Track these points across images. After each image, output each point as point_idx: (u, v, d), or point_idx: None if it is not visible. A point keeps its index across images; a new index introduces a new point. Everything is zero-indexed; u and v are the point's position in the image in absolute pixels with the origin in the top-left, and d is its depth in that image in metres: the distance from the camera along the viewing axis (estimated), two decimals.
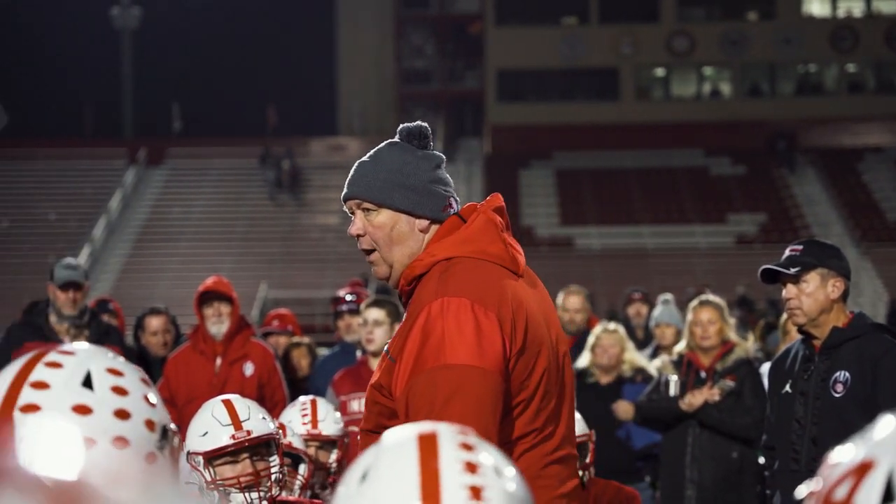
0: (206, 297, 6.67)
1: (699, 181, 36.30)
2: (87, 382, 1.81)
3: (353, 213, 3.09)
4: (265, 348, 6.77)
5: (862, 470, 1.18)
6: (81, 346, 1.90)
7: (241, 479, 3.41)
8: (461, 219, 3.02)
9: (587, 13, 40.51)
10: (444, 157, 3.14)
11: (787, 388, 4.60)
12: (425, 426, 1.53)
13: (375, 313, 6.34)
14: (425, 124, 3.15)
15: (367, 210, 3.04)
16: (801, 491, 1.26)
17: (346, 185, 3.08)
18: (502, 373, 2.81)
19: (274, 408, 6.29)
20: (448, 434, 1.51)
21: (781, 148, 37.02)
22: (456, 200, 3.07)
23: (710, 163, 37.48)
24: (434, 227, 3.02)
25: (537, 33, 40.18)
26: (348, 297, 7.57)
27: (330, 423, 4.60)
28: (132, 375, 1.85)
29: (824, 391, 4.47)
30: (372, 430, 2.98)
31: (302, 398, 4.79)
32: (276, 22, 55.00)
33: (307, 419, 4.56)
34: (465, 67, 43.62)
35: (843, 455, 1.23)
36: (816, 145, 37.99)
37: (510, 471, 1.51)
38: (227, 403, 3.53)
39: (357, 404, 6.27)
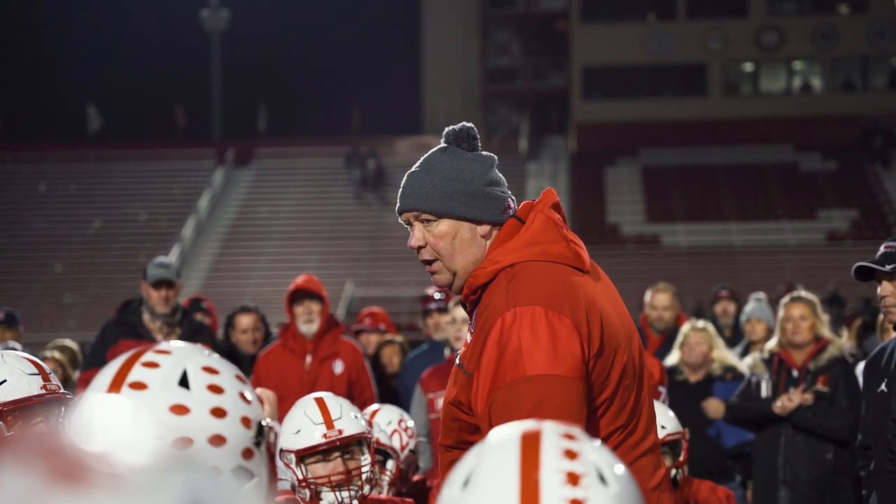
0: (297, 296, 6.73)
1: (788, 177, 35.76)
2: (184, 381, 1.83)
3: (410, 224, 3.04)
4: (355, 346, 6.81)
5: None
6: (177, 344, 1.92)
7: (333, 478, 3.43)
8: (519, 220, 2.97)
9: (674, 8, 40.12)
10: (495, 157, 3.09)
11: (883, 386, 4.52)
12: (530, 426, 1.50)
13: (463, 311, 6.35)
14: (471, 125, 3.09)
15: (427, 221, 2.99)
16: None
17: (399, 198, 3.04)
18: (583, 378, 2.76)
19: (363, 405, 6.32)
20: (551, 439, 1.47)
21: (878, 144, 36.26)
22: (513, 200, 3.02)
23: (799, 158, 36.90)
24: (495, 232, 2.97)
25: (623, 29, 39.91)
26: (437, 296, 7.60)
27: (348, 419, 4.46)
28: (228, 373, 1.87)
29: None
30: (452, 445, 2.94)
31: (302, 403, 4.59)
32: (361, 22, 55.34)
33: (319, 421, 4.44)
34: (550, 65, 43.45)
35: None
36: None
37: (617, 475, 1.47)
38: (320, 402, 3.54)
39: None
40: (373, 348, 7.76)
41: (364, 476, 3.47)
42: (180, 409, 1.81)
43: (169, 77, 56.09)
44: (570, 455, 1.45)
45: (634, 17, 40.27)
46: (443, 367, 6.48)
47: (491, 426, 2.74)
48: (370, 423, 4.13)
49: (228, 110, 45.64)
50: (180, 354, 1.87)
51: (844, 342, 6.51)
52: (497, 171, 3.05)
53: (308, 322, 6.66)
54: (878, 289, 4.50)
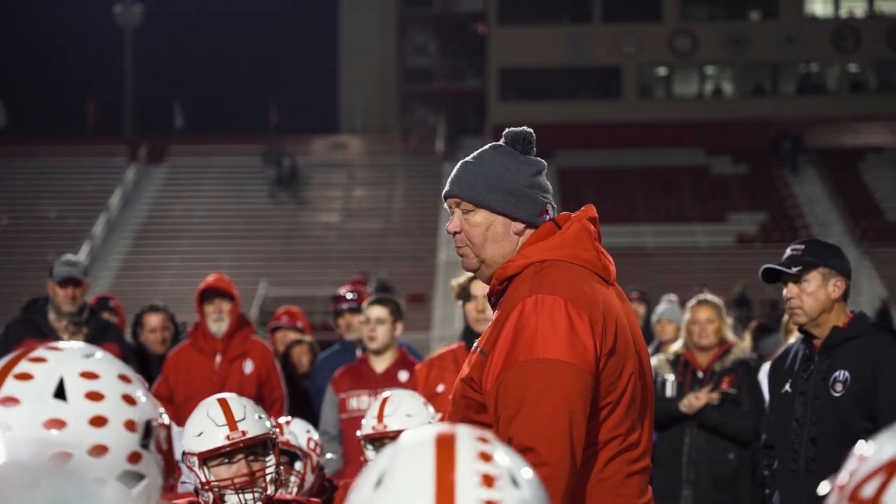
0: (207, 295, 6.66)
1: (700, 180, 36.29)
2: (60, 392, 1.74)
3: (451, 210, 3.15)
4: (265, 346, 6.76)
5: (892, 468, 1.16)
6: (56, 348, 1.81)
7: (236, 481, 3.39)
8: (557, 225, 3.10)
9: (590, 12, 40.50)
10: (545, 163, 3.19)
11: (787, 387, 4.60)
12: (443, 430, 1.50)
13: (378, 311, 6.33)
14: (530, 130, 3.20)
15: (466, 210, 3.11)
16: (825, 486, 1.24)
17: (447, 183, 3.16)
18: (593, 372, 2.87)
19: (273, 405, 6.29)
20: (466, 441, 1.47)
21: (787, 149, 36.94)
22: (553, 207, 3.15)
23: (710, 162, 37.46)
24: (529, 231, 3.09)
25: (539, 32, 40.17)
26: (349, 296, 7.56)
27: (251, 420, 4.44)
28: (109, 375, 1.78)
29: (824, 391, 4.46)
30: (460, 424, 2.97)
31: (207, 403, 4.59)
32: (278, 20, 55.01)
33: (222, 422, 4.45)
34: (467, 66, 43.59)
35: (872, 450, 1.21)
36: (817, 145, 37.97)
37: (525, 477, 1.48)
38: (223, 403, 3.49)
39: (355, 402, 6.27)
40: (286, 345, 7.71)
41: (268, 477, 3.43)
42: (56, 424, 1.71)
43: (81, 72, 55.20)
44: (485, 457, 1.46)
45: (551, 19, 40.57)
46: (354, 368, 6.45)
47: (497, 402, 2.88)
48: (279, 425, 4.10)
49: (142, 107, 45.06)
50: (57, 360, 1.77)
51: (747, 345, 6.64)
52: (544, 178, 3.17)
53: (218, 321, 6.60)
54: (784, 290, 4.58)
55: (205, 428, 3.42)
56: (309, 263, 32.02)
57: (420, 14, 43.74)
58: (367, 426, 4.37)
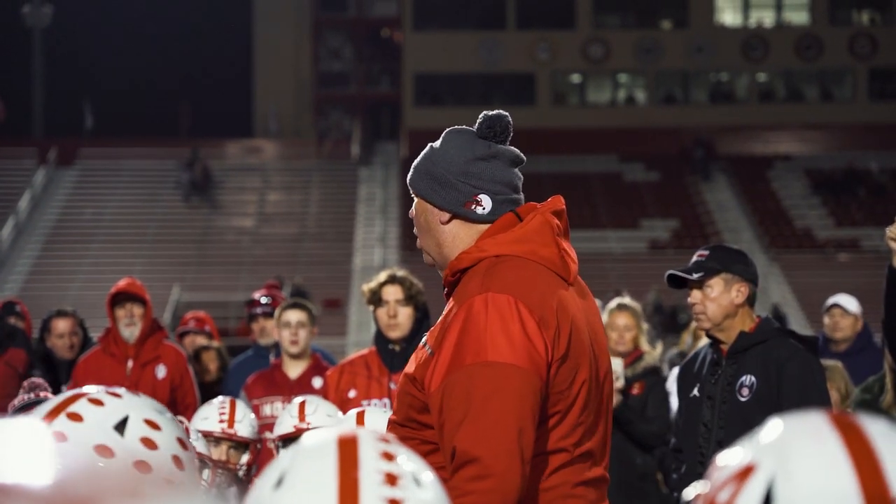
0: (119, 299, 6.59)
1: (613, 187, 36.69)
2: (121, 427, 1.85)
3: None
4: (178, 351, 6.71)
5: (743, 474, 1.19)
6: (129, 393, 1.96)
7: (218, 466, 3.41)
8: (518, 217, 2.90)
9: (504, 18, 40.72)
10: (500, 150, 2.93)
11: (695, 391, 4.66)
12: (346, 430, 1.49)
13: (298, 315, 6.31)
14: (506, 114, 2.98)
15: (413, 195, 2.97)
16: (689, 492, 1.28)
17: None
18: (542, 377, 2.69)
19: (185, 410, 6.24)
20: (369, 441, 1.46)
21: (699, 156, 37.46)
22: (493, 197, 2.89)
23: (623, 169, 37.89)
24: (459, 222, 2.88)
25: (454, 38, 40.30)
26: (263, 300, 7.53)
27: (246, 424, 4.61)
28: (169, 432, 1.89)
29: (730, 395, 4.53)
30: (400, 422, 2.85)
31: (221, 397, 4.78)
32: (192, 21, 54.45)
33: (224, 417, 4.56)
34: (382, 71, 43.58)
35: (728, 458, 1.24)
36: (728, 153, 38.61)
37: (427, 478, 1.47)
38: (232, 403, 3.56)
39: (269, 408, 6.23)
40: (194, 351, 7.65)
41: (241, 472, 3.47)
42: (105, 451, 1.82)
43: None
44: (388, 457, 1.45)
45: (465, 25, 40.72)
46: (268, 373, 6.42)
47: (442, 406, 2.67)
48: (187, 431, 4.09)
49: (51, 108, 44.29)
50: (128, 402, 1.90)
51: (658, 353, 6.68)
52: (491, 164, 2.90)
53: (130, 326, 6.53)
54: (689, 297, 4.65)
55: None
56: (222, 268, 31.75)
57: (335, 18, 43.63)
58: (287, 425, 4.36)
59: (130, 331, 6.55)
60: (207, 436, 4.52)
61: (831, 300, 7.55)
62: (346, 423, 4.22)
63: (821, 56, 40.13)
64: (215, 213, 35.83)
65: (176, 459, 1.84)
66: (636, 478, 6.38)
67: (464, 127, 3.00)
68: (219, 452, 4.55)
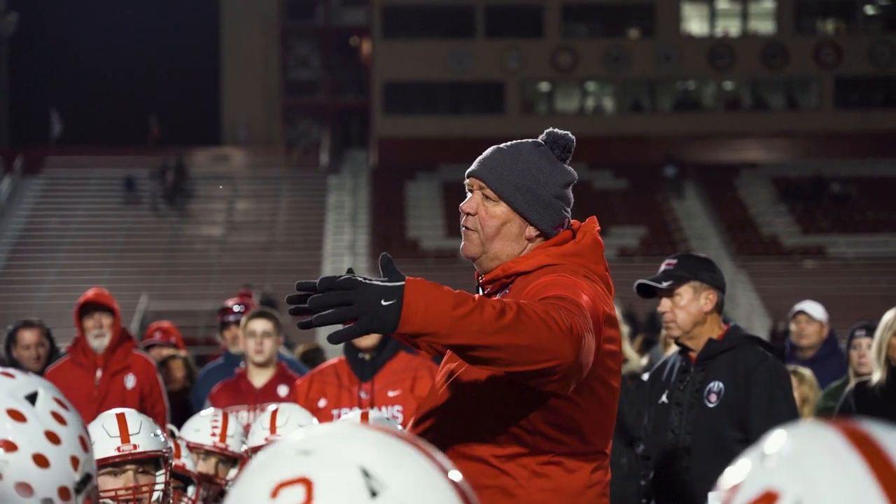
0: (87, 309, 6.55)
1: (582, 194, 36.58)
2: (32, 399, 1.86)
3: (471, 189, 3.07)
4: (147, 360, 6.68)
5: (767, 500, 1.15)
6: (35, 375, 1.96)
7: (120, 493, 3.36)
8: (573, 233, 3.05)
9: (473, 27, 40.80)
10: (576, 175, 3.12)
11: (664, 398, 4.69)
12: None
13: (264, 324, 6.30)
14: (573, 137, 3.12)
15: (487, 196, 3.02)
16: None
17: (476, 163, 3.06)
18: (599, 334, 2.77)
19: (155, 419, 6.21)
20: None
21: (671, 174, 37.50)
22: (569, 221, 3.08)
23: (592, 176, 38.02)
24: (539, 240, 3.02)
25: (423, 46, 40.33)
26: (236, 308, 7.50)
27: (237, 439, 4.57)
28: (75, 414, 1.89)
29: (698, 401, 4.56)
30: (463, 417, 2.93)
31: (213, 409, 4.76)
32: (159, 28, 54.22)
33: (217, 431, 4.53)
34: (351, 79, 43.56)
35: (740, 478, 1.19)
36: (695, 161, 38.82)
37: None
38: (120, 416, 3.51)
39: (234, 417, 6.21)
40: (160, 362, 7.62)
41: (155, 495, 3.41)
42: (18, 416, 1.83)
43: None
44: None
45: (434, 34, 40.76)
46: (233, 383, 6.40)
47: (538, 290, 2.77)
48: (177, 446, 4.08)
49: (17, 116, 43.99)
50: (37, 381, 1.92)
51: (638, 360, 6.67)
52: (570, 190, 3.09)
53: (98, 336, 6.50)
54: (659, 305, 4.68)
55: (98, 438, 3.41)
56: (191, 277, 31.60)
57: (303, 26, 43.58)
58: (259, 437, 4.35)
59: (99, 341, 6.51)
60: (197, 448, 4.47)
61: (797, 307, 7.60)
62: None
63: (786, 65, 40.42)
64: (184, 222, 35.67)
65: (82, 440, 1.86)
66: (620, 478, 6.41)
67: (541, 142, 3.09)
68: (207, 466, 4.48)
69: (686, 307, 4.58)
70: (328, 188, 37.84)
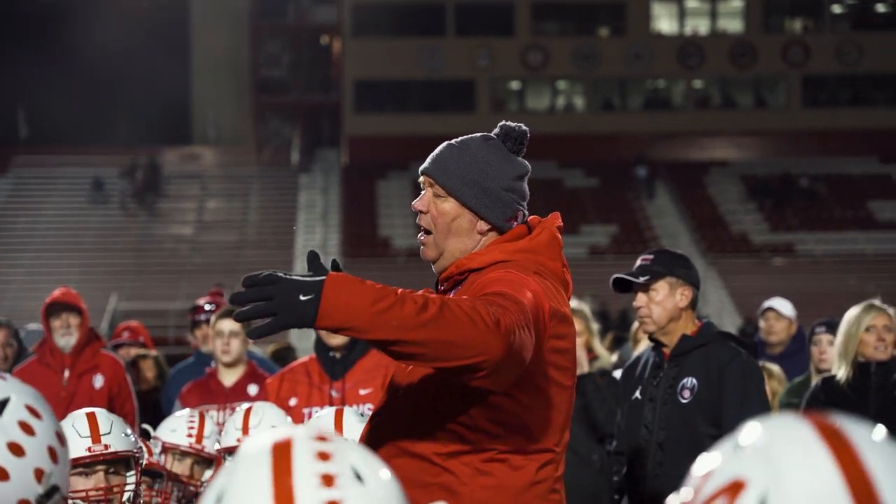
0: (54, 309, 6.49)
1: (552, 193, 36.84)
2: (0, 408, 1.80)
3: (423, 187, 3.05)
4: (115, 360, 6.61)
5: (734, 489, 1.15)
6: (14, 378, 1.89)
7: (90, 494, 3.33)
8: (528, 229, 3.00)
9: (443, 25, 40.79)
10: (529, 167, 3.08)
11: (637, 394, 4.69)
12: (280, 435, 1.45)
13: (231, 324, 6.24)
14: (526, 129, 3.11)
15: (437, 194, 3.00)
16: (671, 501, 1.25)
17: (428, 159, 3.04)
18: (542, 330, 2.75)
19: (123, 419, 6.15)
20: (303, 443, 1.43)
21: (642, 175, 37.56)
22: (524, 214, 3.03)
23: (563, 175, 38.08)
24: (492, 234, 2.98)
25: (394, 45, 40.28)
26: (207, 307, 7.44)
27: (213, 440, 4.52)
28: (49, 425, 1.83)
29: (672, 397, 4.56)
30: (419, 406, 2.90)
31: (189, 410, 4.71)
32: (129, 28, 53.91)
33: (193, 432, 4.49)
34: (322, 78, 43.45)
35: (712, 466, 1.20)
36: (665, 159, 38.96)
37: (376, 473, 1.44)
38: (90, 416, 3.49)
39: (210, 419, 6.16)
40: (130, 361, 7.55)
41: (126, 495, 3.37)
42: None
43: None
44: (323, 457, 1.41)
45: (405, 32, 40.72)
46: (203, 382, 6.35)
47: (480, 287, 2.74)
48: (146, 445, 4.03)
49: None
50: (11, 385, 1.85)
51: (608, 356, 6.65)
52: (524, 183, 3.05)
53: (66, 336, 6.43)
54: (634, 300, 4.67)
55: (67, 438, 3.37)
56: (161, 277, 31.43)
57: (274, 25, 43.43)
58: (232, 438, 4.30)
59: (66, 340, 6.44)
60: (173, 449, 4.43)
61: (766, 304, 7.62)
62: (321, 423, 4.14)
63: (755, 63, 40.63)
64: (153, 221, 35.48)
65: (51, 451, 1.81)
66: (593, 475, 6.37)
67: (493, 136, 3.07)
68: (182, 467, 4.45)
69: (662, 303, 4.58)
70: (299, 187, 37.73)
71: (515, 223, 3.00)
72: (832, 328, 6.15)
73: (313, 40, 43.70)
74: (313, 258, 2.65)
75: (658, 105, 41.33)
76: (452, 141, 3.05)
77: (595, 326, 6.61)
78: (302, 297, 2.47)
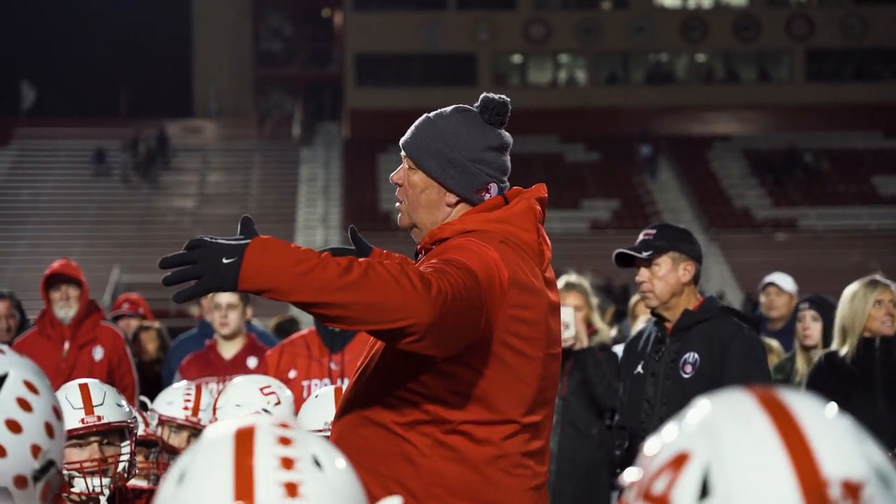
0: (53, 281, 6.47)
1: (554, 167, 36.78)
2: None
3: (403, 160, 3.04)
4: (115, 332, 6.60)
5: (678, 462, 1.16)
6: (13, 352, 1.88)
7: (85, 465, 3.32)
8: (504, 199, 2.96)
9: None
10: (507, 139, 3.04)
11: (639, 368, 4.67)
12: (244, 423, 1.49)
13: (227, 297, 6.23)
14: (507, 100, 3.04)
15: (410, 166, 2.97)
16: (625, 477, 1.24)
17: (406, 133, 3.03)
18: (496, 297, 2.72)
19: (123, 391, 6.13)
20: (266, 429, 1.47)
21: (646, 154, 37.36)
22: (499, 185, 2.98)
23: (565, 149, 38.01)
24: (463, 205, 2.94)
25: (395, 18, 40.14)
26: None
27: (209, 413, 4.50)
28: (46, 400, 1.83)
29: (674, 372, 4.53)
30: (382, 370, 2.88)
31: (186, 382, 4.70)
32: (131, 1, 53.78)
33: (189, 405, 4.48)
34: (323, 51, 43.32)
35: (659, 444, 1.21)
36: (668, 133, 38.86)
37: (333, 461, 1.47)
38: (83, 387, 3.47)
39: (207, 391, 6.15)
40: (131, 334, 7.53)
41: (121, 466, 3.36)
42: None
43: None
44: (285, 442, 1.46)
45: (406, 6, 40.56)
46: (203, 355, 6.34)
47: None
48: (142, 416, 4.01)
49: None
50: (9, 359, 1.85)
51: (608, 330, 6.61)
52: (499, 154, 3.00)
53: (65, 307, 6.42)
54: (637, 275, 4.63)
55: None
56: (164, 249, 31.08)
57: None
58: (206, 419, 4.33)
59: (65, 312, 6.43)
60: (170, 422, 4.43)
61: (767, 279, 7.59)
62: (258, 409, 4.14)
63: (758, 37, 40.47)
64: (156, 194, 35.46)
65: (48, 427, 1.81)
66: (592, 448, 6.35)
67: (468, 108, 3.02)
68: (179, 440, 4.44)
69: (664, 277, 4.55)
70: (300, 160, 37.67)
71: (488, 195, 2.95)
72: (815, 304, 6.11)
73: (315, 14, 43.53)
74: (246, 223, 2.68)
75: (661, 79, 41.20)
76: (430, 114, 3.02)
77: (594, 301, 6.57)
78: (225, 260, 2.49)
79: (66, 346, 6.44)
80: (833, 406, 1.21)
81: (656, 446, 1.21)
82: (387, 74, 40.40)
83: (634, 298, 7.35)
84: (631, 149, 37.81)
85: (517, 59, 41.40)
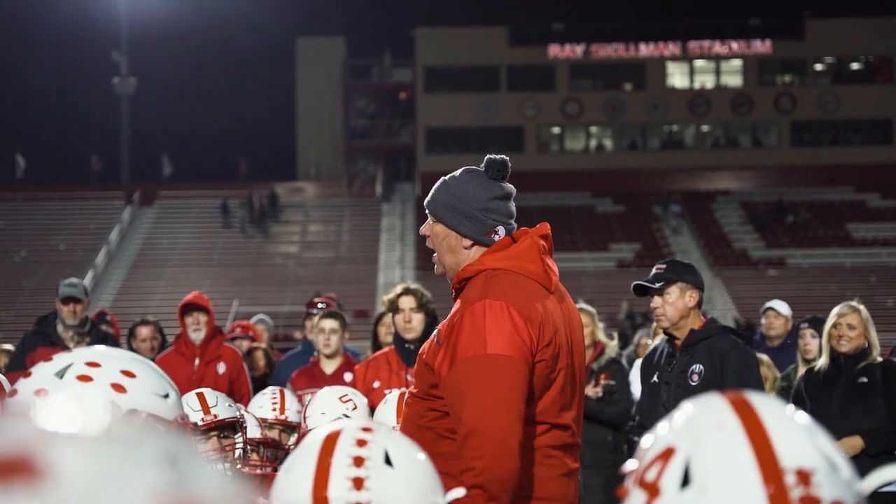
0: (188, 309, 6.55)
1: (587, 217, 36.67)
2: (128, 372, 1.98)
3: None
4: (235, 351, 6.66)
5: (666, 455, 1.16)
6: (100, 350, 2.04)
7: (209, 454, 3.37)
8: (513, 239, 2.96)
9: (497, 82, 40.83)
10: (508, 189, 2.99)
11: (655, 378, 4.63)
12: (334, 426, 1.54)
13: (331, 323, 6.25)
14: (505, 159, 3.01)
15: (433, 221, 2.98)
16: (626, 467, 1.24)
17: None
18: (529, 363, 2.73)
19: (241, 399, 6.20)
20: (348, 432, 1.52)
21: (674, 211, 36.87)
22: (505, 227, 2.95)
23: (596, 203, 37.87)
24: (478, 248, 2.92)
25: (458, 99, 40.40)
26: (320, 305, 7.52)
27: (293, 411, 4.54)
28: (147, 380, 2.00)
29: (683, 380, 4.50)
30: (418, 395, 2.89)
31: (272, 388, 4.73)
32: (247, 87, 54.67)
33: (276, 405, 4.51)
34: (400, 126, 43.67)
35: (653, 439, 1.21)
36: (679, 189, 38.59)
37: (407, 458, 1.49)
38: (199, 394, 3.53)
39: (309, 398, 6.17)
40: (245, 352, 7.60)
41: (237, 452, 3.40)
42: (120, 388, 1.93)
43: (86, 131, 54.34)
44: (361, 444, 1.50)
45: (467, 88, 40.82)
46: (308, 370, 6.35)
47: (451, 390, 2.73)
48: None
49: (136, 159, 44.45)
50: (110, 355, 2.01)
51: (614, 344, 6.54)
52: (504, 202, 2.96)
53: (196, 331, 6.49)
54: (651, 302, 4.62)
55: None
56: (273, 286, 31.71)
57: (362, 84, 43.76)
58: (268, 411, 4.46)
59: (197, 335, 6.50)
60: (263, 422, 4.46)
61: (767, 304, 7.48)
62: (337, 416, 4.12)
63: (752, 111, 40.19)
64: (266, 242, 35.84)
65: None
66: (608, 452, 6.28)
67: (475, 168, 3.01)
68: (272, 435, 4.50)
69: (674, 303, 4.52)
70: (382, 214, 37.89)
71: (497, 236, 2.93)
72: (813, 324, 6.08)
73: (393, 96, 43.94)
74: None
75: (673, 146, 40.97)
76: (445, 177, 3.02)
77: (601, 324, 6.50)
78: None
79: (197, 361, 6.51)
80: (792, 407, 1.20)
81: (650, 440, 1.20)
82: (451, 144, 40.60)
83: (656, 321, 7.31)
84: (649, 203, 37.55)
85: (556, 130, 41.42)
